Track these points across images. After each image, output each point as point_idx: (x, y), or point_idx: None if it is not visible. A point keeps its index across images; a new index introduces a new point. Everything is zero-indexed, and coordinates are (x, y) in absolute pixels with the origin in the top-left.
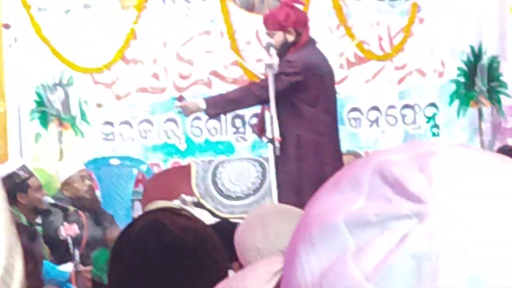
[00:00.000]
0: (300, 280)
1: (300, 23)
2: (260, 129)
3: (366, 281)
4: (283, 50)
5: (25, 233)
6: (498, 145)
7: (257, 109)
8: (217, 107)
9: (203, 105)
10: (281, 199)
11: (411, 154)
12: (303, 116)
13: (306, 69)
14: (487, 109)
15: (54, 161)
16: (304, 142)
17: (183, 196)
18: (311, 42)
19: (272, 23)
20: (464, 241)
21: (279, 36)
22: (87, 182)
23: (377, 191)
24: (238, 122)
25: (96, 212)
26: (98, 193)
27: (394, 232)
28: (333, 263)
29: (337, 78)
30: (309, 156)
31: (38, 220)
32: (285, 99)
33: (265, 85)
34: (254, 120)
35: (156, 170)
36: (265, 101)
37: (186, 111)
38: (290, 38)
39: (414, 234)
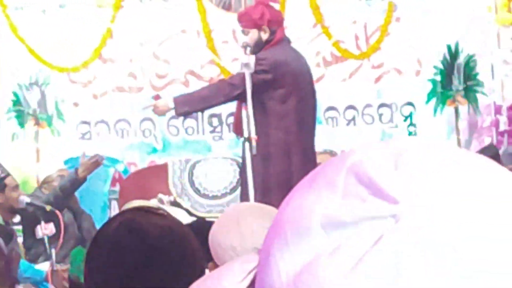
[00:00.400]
0: (275, 280)
1: (275, 22)
2: (237, 128)
3: (342, 281)
4: (258, 48)
5: (1, 232)
6: (475, 143)
7: (233, 107)
8: (186, 105)
9: (171, 104)
10: (256, 198)
11: (386, 153)
12: (271, 114)
13: (276, 67)
14: (463, 108)
15: (31, 160)
16: (271, 141)
17: (160, 195)
18: (285, 40)
19: (246, 21)
20: (451, 238)
21: (253, 34)
22: None
23: (352, 191)
24: (215, 121)
25: (74, 212)
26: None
27: (370, 233)
28: (308, 263)
29: (314, 77)
30: (277, 155)
31: (15, 219)
32: (254, 97)
33: (234, 83)
34: (231, 119)
35: (133, 169)
36: (234, 99)
37: (157, 111)
38: (264, 36)
39: (390, 234)
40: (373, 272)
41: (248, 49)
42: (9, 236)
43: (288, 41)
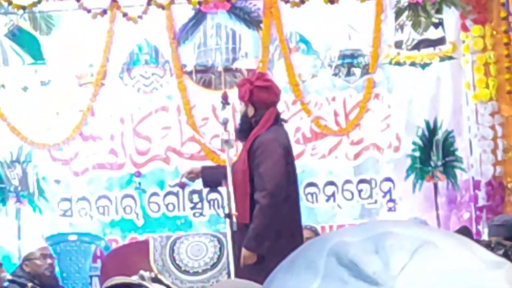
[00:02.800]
0: None
1: (261, 103)
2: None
3: None
4: (243, 122)
5: None
6: (453, 218)
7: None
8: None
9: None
10: (237, 274)
11: (366, 235)
12: None
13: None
14: (442, 184)
15: (12, 238)
16: None
17: (141, 271)
18: (277, 123)
19: (238, 93)
20: None
21: (242, 106)
22: (48, 260)
23: (333, 273)
24: (195, 197)
25: None
26: (56, 268)
27: None
28: None
29: (294, 153)
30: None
31: None
32: None
33: None
34: (212, 195)
35: (114, 245)
36: None
37: (189, 178)
38: (250, 113)
39: None
40: None
41: (229, 125)
42: None
43: (281, 123)
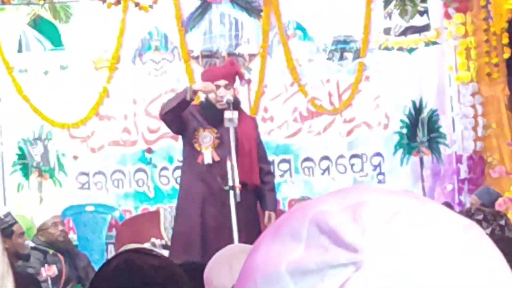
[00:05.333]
0: None
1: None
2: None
3: None
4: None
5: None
6: (438, 190)
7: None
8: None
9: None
10: (240, 241)
11: (345, 204)
12: None
13: None
14: (427, 158)
15: (34, 209)
16: None
17: (152, 239)
18: None
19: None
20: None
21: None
22: (60, 227)
23: (315, 240)
24: None
25: (70, 253)
26: (75, 237)
27: (333, 280)
28: None
29: (292, 130)
30: None
31: (19, 263)
32: None
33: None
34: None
35: (128, 216)
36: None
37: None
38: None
39: (351, 282)
40: None
41: (231, 105)
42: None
43: None
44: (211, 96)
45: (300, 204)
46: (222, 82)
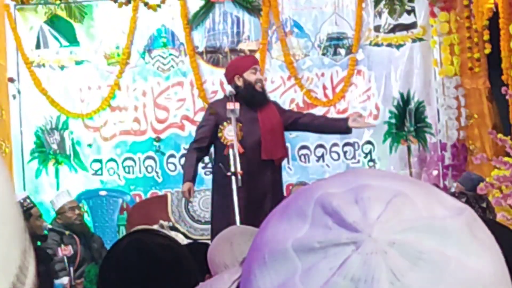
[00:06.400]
0: None
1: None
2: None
3: None
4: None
5: (40, 256)
6: (424, 175)
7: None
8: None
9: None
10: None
11: (348, 187)
12: None
13: None
14: (414, 146)
15: (52, 194)
16: None
17: (161, 221)
18: None
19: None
20: (395, 265)
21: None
22: (77, 211)
23: (320, 220)
24: (206, 159)
25: (85, 235)
26: (89, 219)
27: (335, 257)
28: (283, 282)
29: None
30: None
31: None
32: None
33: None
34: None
35: (138, 200)
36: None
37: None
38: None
39: (351, 259)
40: None
41: (233, 97)
42: (47, 259)
43: None
44: (251, 78)
45: (306, 186)
46: (258, 67)
